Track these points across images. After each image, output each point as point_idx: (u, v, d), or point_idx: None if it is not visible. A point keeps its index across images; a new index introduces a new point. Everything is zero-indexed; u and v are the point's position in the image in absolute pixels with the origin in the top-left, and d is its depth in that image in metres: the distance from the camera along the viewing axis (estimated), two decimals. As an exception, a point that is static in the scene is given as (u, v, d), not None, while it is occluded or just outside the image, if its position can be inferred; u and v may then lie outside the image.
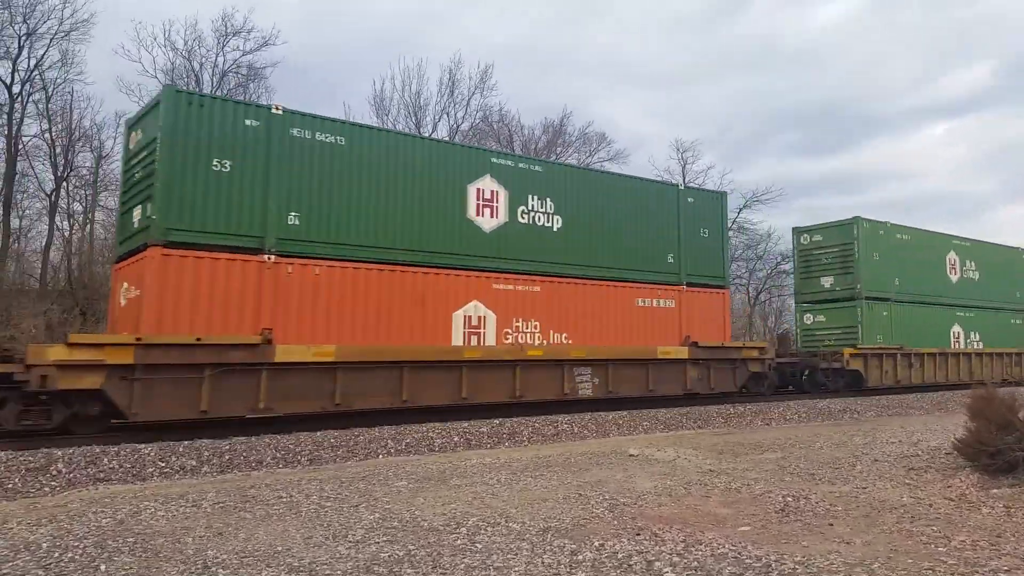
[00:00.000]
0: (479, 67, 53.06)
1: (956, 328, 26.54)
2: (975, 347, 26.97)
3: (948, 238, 27.51)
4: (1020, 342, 29.17)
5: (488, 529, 6.39)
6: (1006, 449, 8.29)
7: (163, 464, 9.93)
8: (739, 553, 5.46)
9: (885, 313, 24.13)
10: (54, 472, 9.18)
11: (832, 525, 6.44)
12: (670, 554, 5.44)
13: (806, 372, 23.00)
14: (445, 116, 35.99)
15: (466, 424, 13.23)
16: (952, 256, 27.22)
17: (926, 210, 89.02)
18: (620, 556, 5.39)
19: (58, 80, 29.49)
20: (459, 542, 5.85)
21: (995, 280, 28.49)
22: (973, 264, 27.88)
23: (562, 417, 14.39)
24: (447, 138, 35.49)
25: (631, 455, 10.64)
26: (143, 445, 10.51)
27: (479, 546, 5.72)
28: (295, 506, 7.26)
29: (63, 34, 28.90)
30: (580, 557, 5.37)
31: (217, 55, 31.93)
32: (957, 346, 26.36)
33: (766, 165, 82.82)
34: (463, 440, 12.37)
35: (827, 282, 24.52)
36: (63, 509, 7.26)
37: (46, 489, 8.76)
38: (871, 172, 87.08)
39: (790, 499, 7.63)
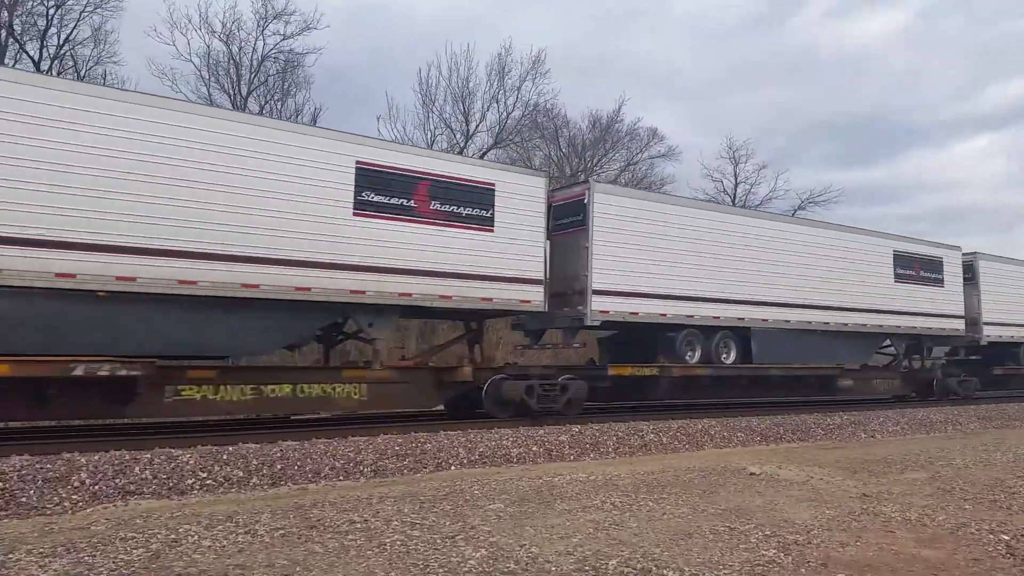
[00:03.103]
0: (532, 51, 50.57)
1: None
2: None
3: None
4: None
5: (640, 578, 4.78)
6: None
7: (204, 475, 8.43)
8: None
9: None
10: (76, 483, 7.71)
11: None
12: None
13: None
14: (495, 104, 34.11)
15: (542, 431, 11.60)
16: None
17: (964, 221, 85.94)
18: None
19: (90, 60, 28.15)
20: (616, 601, 4.25)
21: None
22: None
23: (646, 425, 12.72)
24: (496, 130, 33.75)
25: (752, 474, 8.96)
26: (180, 451, 9.04)
27: (649, 609, 4.11)
28: (374, 535, 5.70)
29: (92, 7, 27.43)
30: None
31: (256, 39, 30.43)
32: None
33: (803, 175, 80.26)
34: (542, 450, 10.76)
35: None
36: (84, 533, 5.77)
37: (66, 504, 7.29)
38: (909, 183, 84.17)
39: (1005, 536, 5.93)
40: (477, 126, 33.89)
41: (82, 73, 26.56)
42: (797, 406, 17.70)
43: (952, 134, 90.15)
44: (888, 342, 21.11)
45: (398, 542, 5.50)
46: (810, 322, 17.72)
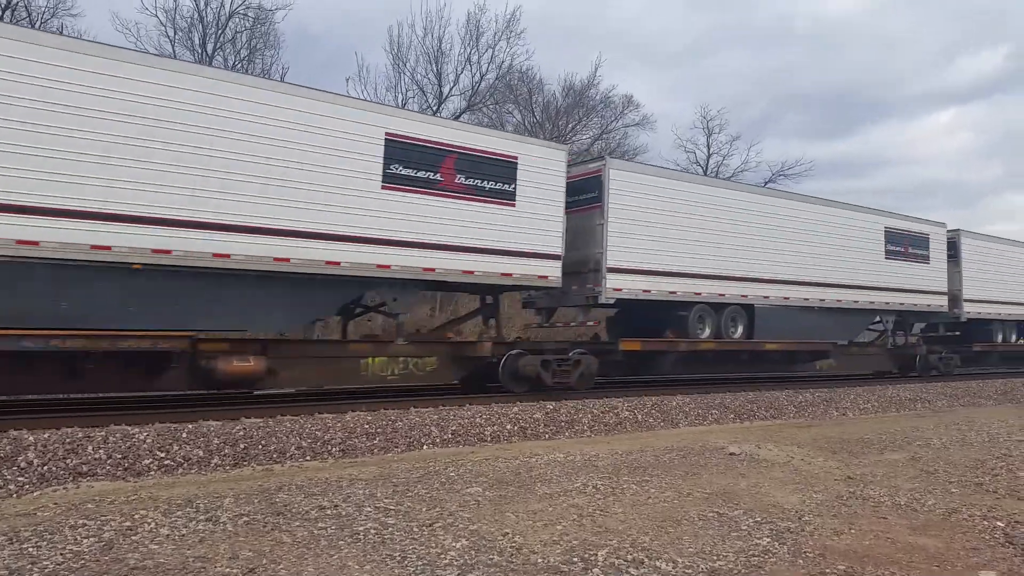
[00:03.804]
0: (506, 10, 49.20)
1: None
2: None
3: None
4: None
5: (632, 571, 4.50)
6: None
7: (162, 455, 7.97)
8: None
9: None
10: (23, 464, 7.21)
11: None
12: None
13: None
14: (468, 66, 33.29)
15: (516, 409, 11.30)
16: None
17: (931, 196, 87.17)
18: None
19: (45, 12, 26.71)
20: (611, 598, 3.96)
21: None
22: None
23: (620, 402, 12.49)
24: (470, 93, 32.94)
25: (732, 454, 8.75)
26: (136, 428, 8.57)
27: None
28: (347, 523, 5.34)
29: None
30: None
31: (223, -6, 29.12)
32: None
33: (774, 146, 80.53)
34: (517, 429, 10.45)
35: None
36: (30, 520, 5.33)
37: (11, 487, 6.80)
38: (877, 157, 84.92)
39: (1000, 523, 5.76)
40: (451, 89, 33.12)
41: (36, 25, 25.17)
42: (785, 380, 18.69)
43: (920, 107, 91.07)
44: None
45: (372, 531, 5.15)
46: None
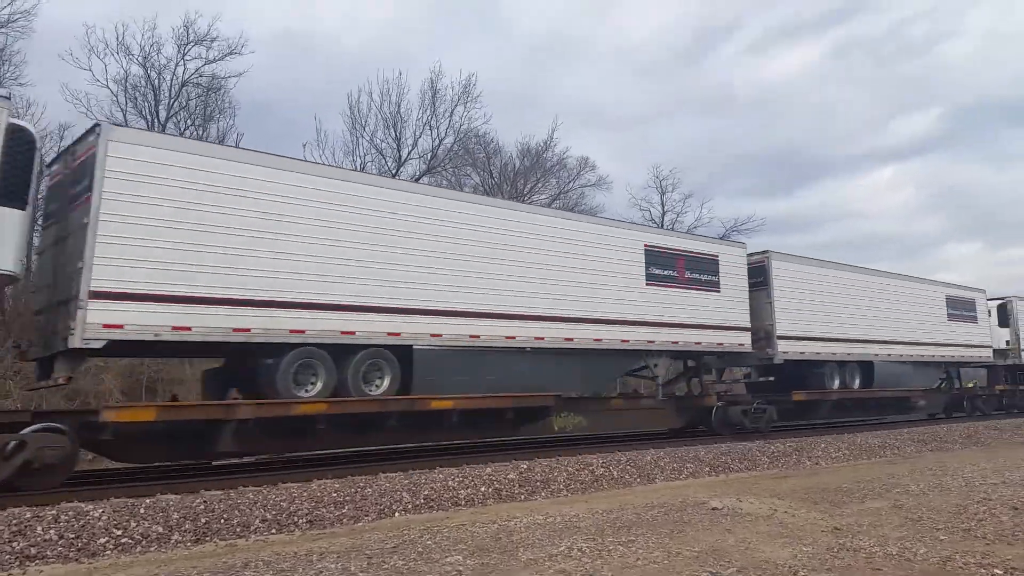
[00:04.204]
0: (461, 76, 50.27)
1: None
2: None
3: None
4: None
5: (631, 640, 4.23)
6: None
7: (119, 532, 7.47)
8: None
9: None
10: (-35, 550, 6.69)
11: None
12: None
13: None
14: (428, 130, 33.61)
15: (489, 470, 10.94)
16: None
17: (880, 248, 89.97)
18: None
19: (-3, 79, 26.18)
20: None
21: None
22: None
23: (595, 459, 12.21)
24: (429, 157, 33.25)
25: (715, 508, 8.54)
26: (90, 505, 8.05)
27: None
28: (321, 602, 4.99)
29: (-1, 24, 25.58)
30: None
31: (177, 63, 29.13)
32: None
33: (722, 206, 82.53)
34: (492, 490, 10.10)
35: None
36: (-28, 614, 4.88)
37: (-49, 576, 6.29)
38: (822, 214, 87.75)
39: (998, 571, 5.62)
40: (409, 152, 33.34)
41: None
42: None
43: (862, 165, 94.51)
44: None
45: (350, 608, 4.81)
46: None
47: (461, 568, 5.84)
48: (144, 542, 7.40)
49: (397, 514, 8.92)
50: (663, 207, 43.40)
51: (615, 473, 11.65)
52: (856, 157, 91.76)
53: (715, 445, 14.79)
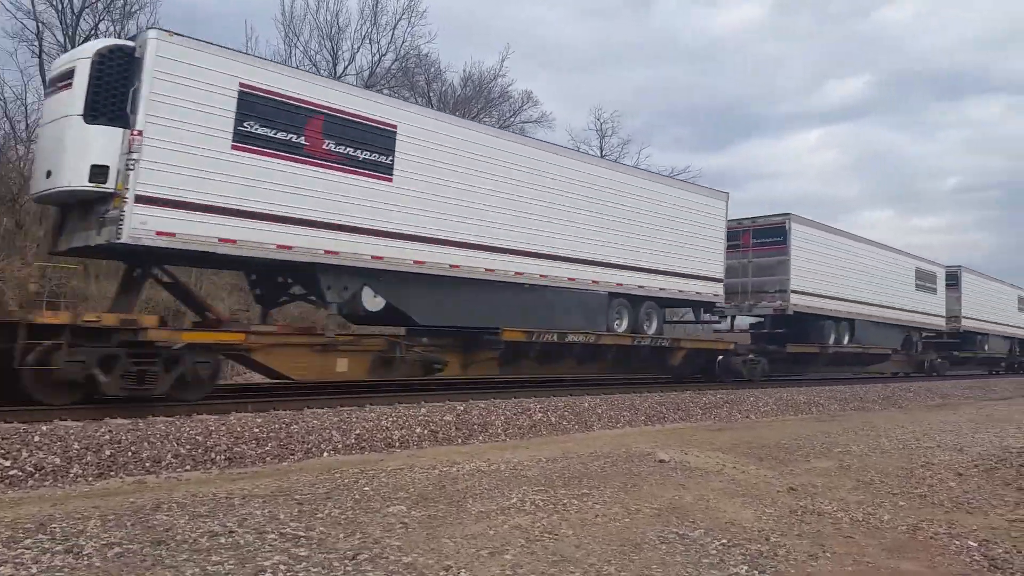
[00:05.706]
0: None
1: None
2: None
3: None
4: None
5: (611, 615, 3.73)
6: None
7: (7, 462, 6.58)
8: None
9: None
10: None
11: None
12: None
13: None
14: (367, 44, 31.58)
15: (424, 411, 10.32)
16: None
17: (798, 209, 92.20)
18: None
19: None
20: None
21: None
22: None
23: (533, 404, 11.75)
24: (368, 75, 31.35)
25: (661, 461, 8.19)
26: (-25, 430, 7.10)
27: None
28: (247, 556, 4.32)
29: None
30: None
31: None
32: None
33: (657, 157, 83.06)
34: (427, 432, 9.51)
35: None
36: None
37: None
38: (750, 170, 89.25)
39: (972, 543, 5.37)
40: (346, 67, 31.47)
41: None
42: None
43: (792, 126, 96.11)
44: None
45: (282, 567, 4.16)
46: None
47: (407, 520, 5.25)
48: (37, 475, 6.56)
49: (326, 454, 8.27)
50: (602, 151, 42.81)
51: (553, 419, 11.24)
52: (789, 116, 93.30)
53: (648, 394, 14.55)
